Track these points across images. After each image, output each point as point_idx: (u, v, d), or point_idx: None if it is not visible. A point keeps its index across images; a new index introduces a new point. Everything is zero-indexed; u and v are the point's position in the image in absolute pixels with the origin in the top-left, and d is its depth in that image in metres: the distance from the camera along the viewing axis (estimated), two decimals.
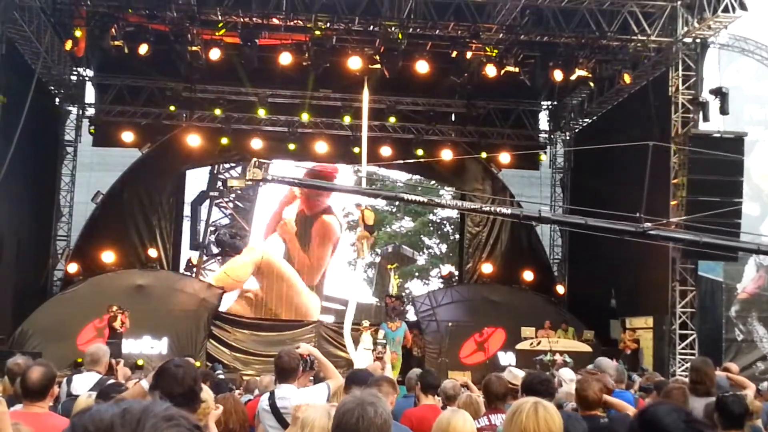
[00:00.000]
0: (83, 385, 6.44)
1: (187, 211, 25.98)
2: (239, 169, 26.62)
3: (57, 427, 4.48)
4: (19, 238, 19.46)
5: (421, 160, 21.82)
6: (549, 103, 25.02)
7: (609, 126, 21.56)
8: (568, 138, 25.37)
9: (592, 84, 20.78)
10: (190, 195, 24.17)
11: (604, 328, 20.73)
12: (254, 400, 6.97)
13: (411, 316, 23.77)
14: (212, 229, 25.43)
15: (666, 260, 17.66)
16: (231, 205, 25.48)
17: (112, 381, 6.47)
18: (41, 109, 19.44)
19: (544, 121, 25.75)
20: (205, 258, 25.23)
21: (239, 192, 25.82)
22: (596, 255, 19.63)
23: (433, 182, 28.47)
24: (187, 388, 3.78)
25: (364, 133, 19.26)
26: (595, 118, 23.53)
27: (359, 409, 2.98)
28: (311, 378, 7.40)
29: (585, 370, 8.19)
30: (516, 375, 6.77)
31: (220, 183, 26.62)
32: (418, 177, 28.41)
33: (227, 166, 26.94)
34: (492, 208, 16.14)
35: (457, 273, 26.15)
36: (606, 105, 22.31)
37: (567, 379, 7.74)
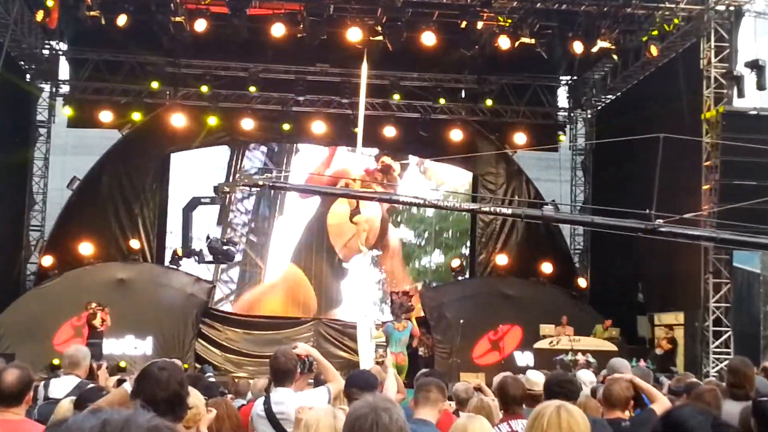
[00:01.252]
0: (61, 389, 6.46)
1: (175, 206, 25.49)
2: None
3: None
4: None
5: (461, 155, 21.68)
6: (568, 78, 24.92)
7: (634, 103, 21.48)
8: (589, 116, 25.30)
9: (615, 57, 20.71)
10: (175, 182, 23.96)
11: (630, 324, 20.73)
12: (248, 405, 6.98)
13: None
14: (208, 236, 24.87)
15: (698, 250, 17.59)
16: (244, 240, 24.91)
17: (92, 385, 6.48)
18: (11, 87, 19.40)
19: (563, 98, 25.69)
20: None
21: (253, 225, 25.23)
22: (621, 245, 19.53)
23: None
24: (171, 393, 3.75)
25: (361, 112, 19.22)
26: (619, 94, 23.46)
27: (373, 415, 2.96)
28: (310, 381, 7.41)
29: (600, 375, 8.19)
30: (534, 381, 6.72)
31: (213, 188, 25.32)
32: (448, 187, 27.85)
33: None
34: (492, 208, 16.16)
35: (467, 265, 26.08)
36: (631, 80, 22.21)
37: (587, 381, 7.71)
